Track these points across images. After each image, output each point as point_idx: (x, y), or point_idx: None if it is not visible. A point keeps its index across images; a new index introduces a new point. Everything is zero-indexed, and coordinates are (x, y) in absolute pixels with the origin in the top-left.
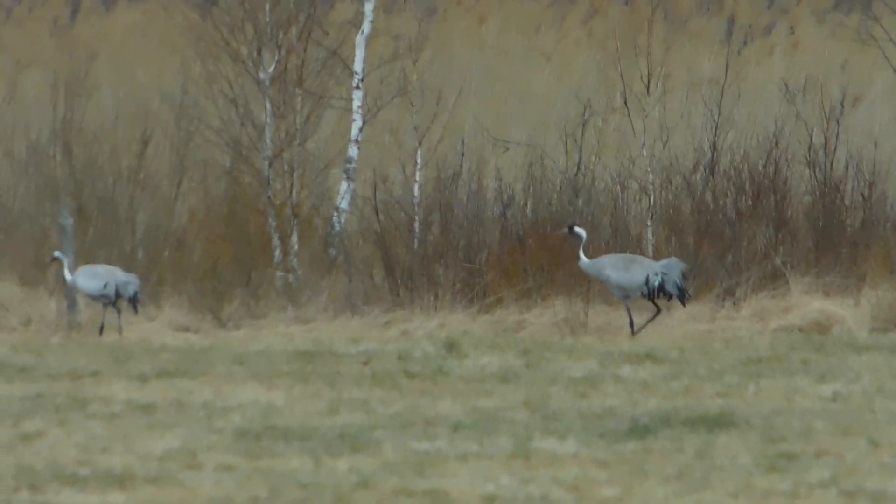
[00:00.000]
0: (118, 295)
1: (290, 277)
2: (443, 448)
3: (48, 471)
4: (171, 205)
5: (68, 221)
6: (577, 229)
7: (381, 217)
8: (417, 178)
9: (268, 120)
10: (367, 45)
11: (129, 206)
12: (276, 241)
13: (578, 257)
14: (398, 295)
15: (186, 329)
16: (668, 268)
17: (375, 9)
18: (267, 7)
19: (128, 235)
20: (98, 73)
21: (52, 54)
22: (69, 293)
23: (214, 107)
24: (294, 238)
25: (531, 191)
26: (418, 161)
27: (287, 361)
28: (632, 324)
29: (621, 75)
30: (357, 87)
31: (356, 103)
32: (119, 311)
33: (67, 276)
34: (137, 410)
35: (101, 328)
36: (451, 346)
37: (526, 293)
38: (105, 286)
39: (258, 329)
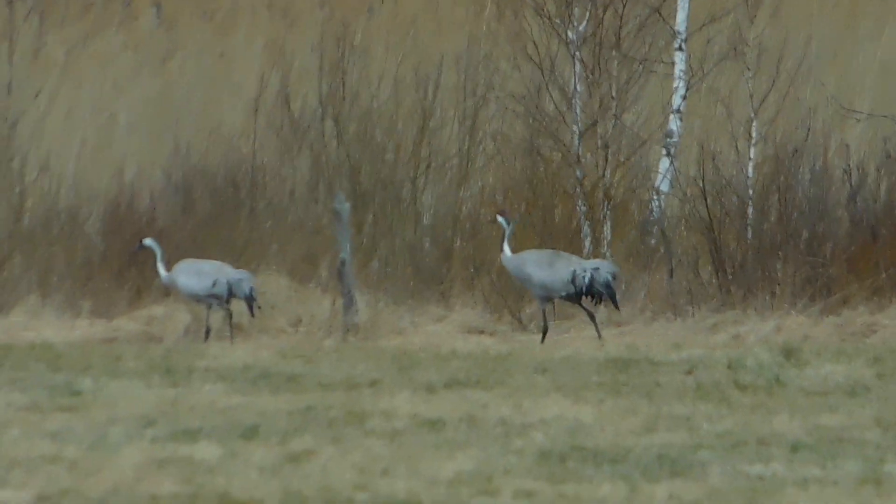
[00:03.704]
0: (231, 294)
1: None
2: (779, 472)
3: (320, 496)
4: (462, 186)
5: (344, 207)
6: (500, 219)
7: (709, 201)
8: (752, 155)
9: (578, 87)
10: (691, 1)
11: (412, 189)
12: (585, 229)
13: (501, 250)
14: (728, 293)
15: (480, 332)
16: (598, 266)
17: None
18: None
19: (412, 222)
20: (370, 32)
21: (317, 12)
22: (346, 290)
23: (514, 70)
24: (607, 226)
25: (884, 171)
26: (753, 135)
27: (597, 371)
28: (545, 332)
29: None
30: (680, 49)
31: (679, 67)
32: (231, 314)
33: (162, 270)
34: (423, 426)
35: (207, 332)
36: (789, 354)
37: (878, 291)
38: (214, 284)
39: (564, 332)
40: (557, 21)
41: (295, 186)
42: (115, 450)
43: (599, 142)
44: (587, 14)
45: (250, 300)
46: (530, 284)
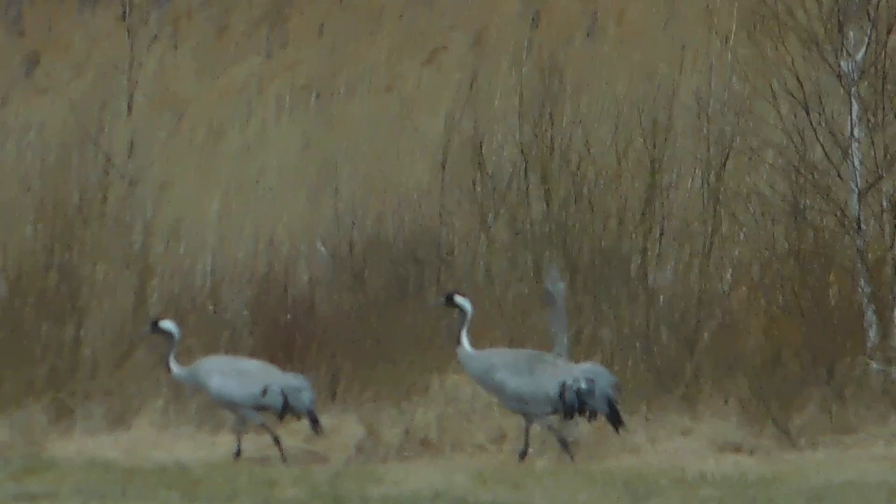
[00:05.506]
0: (286, 408)
1: (894, 371)
2: None
3: None
4: (705, 259)
5: (559, 287)
6: (460, 299)
7: None
8: None
9: (856, 132)
10: None
11: (642, 262)
12: (870, 315)
13: (459, 342)
14: None
15: (737, 449)
16: (595, 374)
17: None
18: None
19: (643, 305)
20: (583, 62)
21: (518, 37)
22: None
23: (771, 112)
24: None
25: None
26: None
27: (889, 499)
28: (523, 454)
29: None
30: None
31: None
32: (277, 438)
33: (173, 365)
34: None
35: (238, 452)
36: None
37: None
38: (265, 392)
39: (845, 449)
40: (827, 48)
41: (492, 260)
42: None
43: (885, 203)
44: (866, 39)
45: (312, 415)
46: (502, 395)
